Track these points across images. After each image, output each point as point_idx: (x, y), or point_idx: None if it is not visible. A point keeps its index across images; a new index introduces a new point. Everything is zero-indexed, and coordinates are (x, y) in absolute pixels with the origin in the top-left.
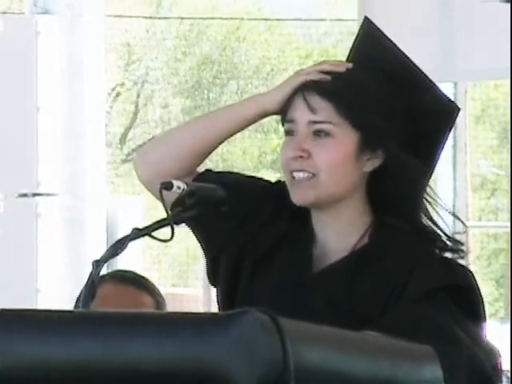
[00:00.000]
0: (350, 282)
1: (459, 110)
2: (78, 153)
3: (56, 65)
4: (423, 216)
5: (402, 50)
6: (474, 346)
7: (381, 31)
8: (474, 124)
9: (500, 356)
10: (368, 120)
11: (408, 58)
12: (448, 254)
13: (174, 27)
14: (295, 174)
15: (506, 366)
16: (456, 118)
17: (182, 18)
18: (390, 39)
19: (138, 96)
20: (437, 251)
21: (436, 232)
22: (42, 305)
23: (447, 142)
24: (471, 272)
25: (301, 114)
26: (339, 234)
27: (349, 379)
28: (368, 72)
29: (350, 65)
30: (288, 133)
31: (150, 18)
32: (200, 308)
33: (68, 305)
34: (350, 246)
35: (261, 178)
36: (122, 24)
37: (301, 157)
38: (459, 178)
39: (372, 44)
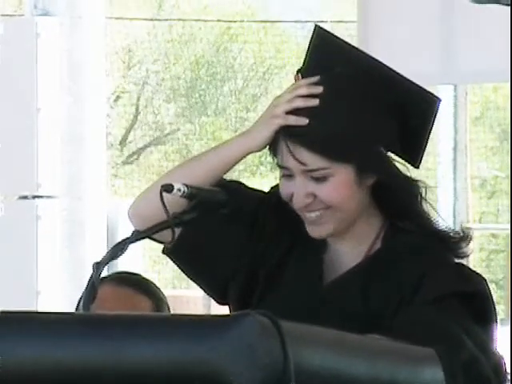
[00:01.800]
0: (364, 291)
1: (439, 100)
2: (78, 155)
3: (56, 67)
4: (429, 217)
5: (403, 52)
6: (478, 352)
7: (337, 37)
8: (474, 126)
9: (505, 364)
10: (358, 155)
11: (374, 58)
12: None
13: (175, 29)
14: (307, 214)
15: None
16: (436, 108)
17: (183, 20)
18: (349, 44)
19: (139, 98)
20: (451, 253)
21: (445, 232)
22: (42, 307)
23: (448, 145)
24: (484, 279)
25: (292, 163)
26: (351, 242)
27: (349, 381)
28: (338, 87)
29: (320, 89)
30: (285, 173)
31: (151, 20)
32: (200, 310)
33: (68, 307)
34: (363, 252)
35: (258, 190)
36: (122, 26)
37: (308, 203)
38: (460, 179)
39: (333, 52)
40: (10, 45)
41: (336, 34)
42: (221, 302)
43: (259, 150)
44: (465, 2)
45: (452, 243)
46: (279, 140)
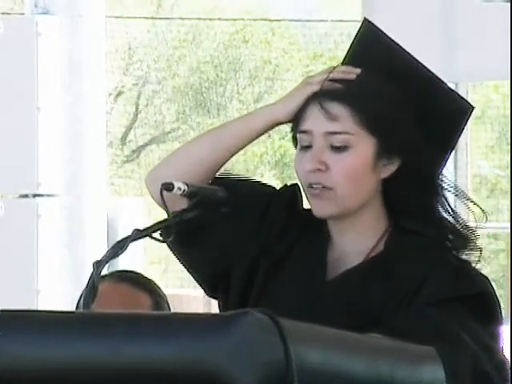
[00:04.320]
0: (365, 289)
1: (473, 108)
2: (78, 154)
3: (56, 65)
4: (439, 215)
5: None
6: (480, 351)
7: (383, 32)
8: (474, 125)
9: (508, 363)
10: (385, 127)
11: (416, 59)
12: (464, 255)
13: (175, 28)
14: (314, 187)
15: None
16: (470, 116)
17: (182, 19)
18: (393, 40)
19: (139, 97)
20: (453, 255)
21: (453, 232)
22: (42, 306)
23: None
24: (487, 278)
25: (317, 124)
26: (356, 239)
27: (349, 379)
28: (377, 75)
29: (358, 70)
30: (303, 144)
31: (151, 18)
32: (201, 309)
33: (68, 306)
34: (366, 250)
35: (270, 185)
36: (122, 25)
37: (319, 169)
38: (460, 178)
39: (376, 46)
40: (10, 44)
41: (335, 32)
42: (211, 295)
43: (287, 121)
44: (465, 0)
45: (458, 246)
46: (309, 103)
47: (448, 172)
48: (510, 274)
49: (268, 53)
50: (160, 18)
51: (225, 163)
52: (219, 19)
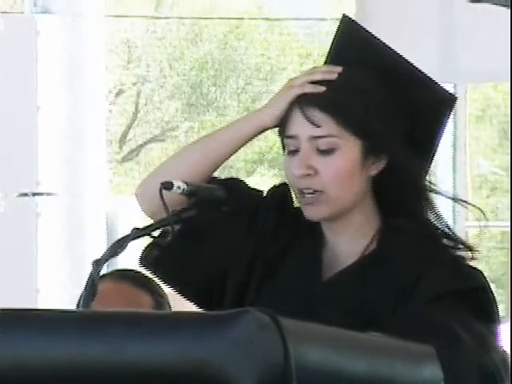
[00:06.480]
0: (361, 289)
1: (455, 99)
2: (78, 152)
3: (56, 64)
4: (429, 213)
5: (402, 50)
6: (480, 348)
7: (363, 28)
8: (475, 124)
9: (508, 358)
10: (369, 127)
11: (396, 53)
12: (454, 251)
13: (175, 27)
14: (305, 191)
15: None
16: (453, 107)
17: (182, 18)
18: (373, 35)
19: (138, 96)
20: (445, 250)
21: (442, 230)
22: (41, 304)
23: (447, 142)
24: (481, 272)
25: (302, 129)
26: (350, 238)
27: (348, 378)
28: (358, 72)
29: (340, 68)
30: (290, 149)
31: (151, 17)
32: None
33: (68, 304)
34: (360, 249)
35: (257, 189)
36: (122, 23)
37: (308, 175)
38: (459, 177)
39: (356, 43)
40: (9, 42)
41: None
42: (201, 306)
43: (274, 126)
44: (464, 1)
45: (448, 244)
46: (292, 108)
47: (448, 171)
48: (510, 273)
49: (267, 51)
50: (159, 18)
51: (215, 170)
52: (218, 18)
